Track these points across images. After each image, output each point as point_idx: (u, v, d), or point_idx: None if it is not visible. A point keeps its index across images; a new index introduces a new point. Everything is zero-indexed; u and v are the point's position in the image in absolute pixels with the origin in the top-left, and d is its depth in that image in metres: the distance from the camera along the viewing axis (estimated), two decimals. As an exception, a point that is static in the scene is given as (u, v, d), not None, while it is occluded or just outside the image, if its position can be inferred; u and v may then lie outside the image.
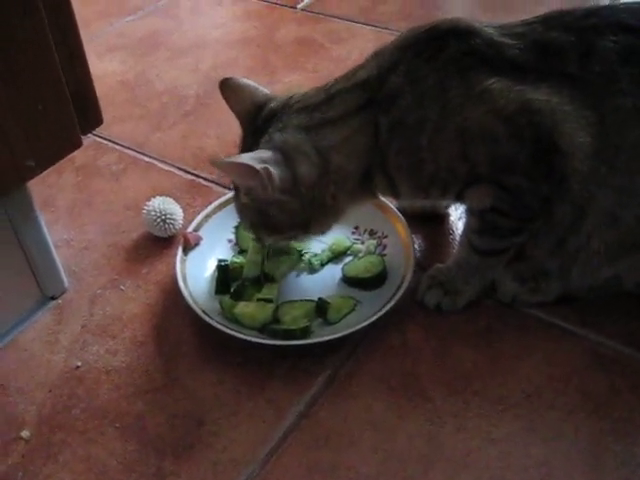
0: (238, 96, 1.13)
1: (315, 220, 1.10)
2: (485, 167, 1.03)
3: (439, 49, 1.02)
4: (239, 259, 1.25)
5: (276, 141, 1.03)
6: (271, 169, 0.98)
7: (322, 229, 1.13)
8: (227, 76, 1.15)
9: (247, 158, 0.99)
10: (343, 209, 1.12)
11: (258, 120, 1.09)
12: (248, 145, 1.08)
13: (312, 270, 1.25)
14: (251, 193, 1.05)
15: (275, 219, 1.07)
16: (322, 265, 1.25)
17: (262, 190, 1.00)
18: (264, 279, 1.22)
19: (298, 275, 1.25)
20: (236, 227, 1.29)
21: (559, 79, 0.99)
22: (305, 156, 1.03)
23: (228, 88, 1.14)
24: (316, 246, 1.27)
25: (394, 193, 1.13)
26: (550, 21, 1.03)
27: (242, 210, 1.12)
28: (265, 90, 1.15)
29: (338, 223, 1.15)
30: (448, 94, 1.00)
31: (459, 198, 1.10)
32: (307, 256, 1.26)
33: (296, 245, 1.25)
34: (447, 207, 1.36)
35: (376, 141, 1.05)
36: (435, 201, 1.30)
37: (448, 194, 1.10)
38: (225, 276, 1.22)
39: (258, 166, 0.97)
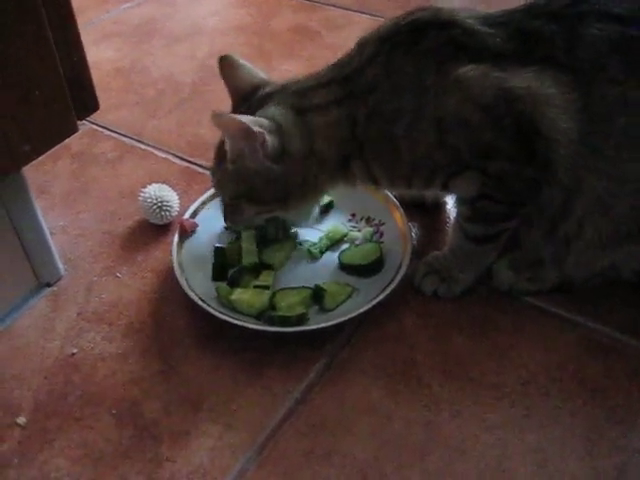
0: (237, 74, 1.14)
1: (294, 195, 1.11)
2: (466, 154, 1.03)
3: (418, 40, 1.02)
4: (235, 243, 1.25)
5: (271, 113, 1.05)
6: (266, 135, 1.00)
7: (299, 206, 1.15)
8: (227, 53, 1.16)
9: (247, 119, 1.00)
10: (321, 190, 1.14)
11: (253, 100, 1.10)
12: None
13: (313, 259, 1.25)
14: (238, 160, 1.05)
15: (258, 188, 1.08)
16: (322, 253, 1.25)
17: (252, 154, 1.02)
18: (262, 267, 1.22)
19: (296, 263, 1.24)
20: None
21: (542, 66, 0.98)
22: (295, 133, 1.05)
23: (228, 64, 1.15)
24: (313, 234, 1.27)
25: (374, 181, 1.13)
26: (533, 9, 1.03)
27: (224, 180, 1.12)
28: (262, 74, 1.16)
29: (315, 204, 1.20)
30: (424, 84, 1.01)
31: (445, 189, 1.10)
32: (306, 245, 1.26)
33: (292, 232, 1.27)
34: (444, 195, 1.35)
35: (353, 132, 1.06)
36: (422, 192, 1.30)
37: (433, 185, 1.10)
38: (222, 262, 1.22)
39: (255, 128, 0.99)
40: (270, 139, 1.01)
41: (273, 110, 1.05)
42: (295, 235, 1.27)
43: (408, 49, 1.03)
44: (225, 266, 1.22)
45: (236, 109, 1.12)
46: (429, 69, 1.01)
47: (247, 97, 1.11)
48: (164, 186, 1.36)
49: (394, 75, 1.02)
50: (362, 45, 1.07)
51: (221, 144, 1.10)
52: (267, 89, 1.11)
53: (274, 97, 1.08)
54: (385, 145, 1.06)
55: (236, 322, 1.10)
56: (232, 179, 1.09)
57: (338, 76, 1.07)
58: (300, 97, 1.07)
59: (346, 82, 1.06)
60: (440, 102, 1.00)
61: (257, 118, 1.02)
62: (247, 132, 0.99)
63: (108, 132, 1.64)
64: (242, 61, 1.16)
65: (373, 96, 1.03)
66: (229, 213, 1.16)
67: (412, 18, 1.05)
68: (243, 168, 1.06)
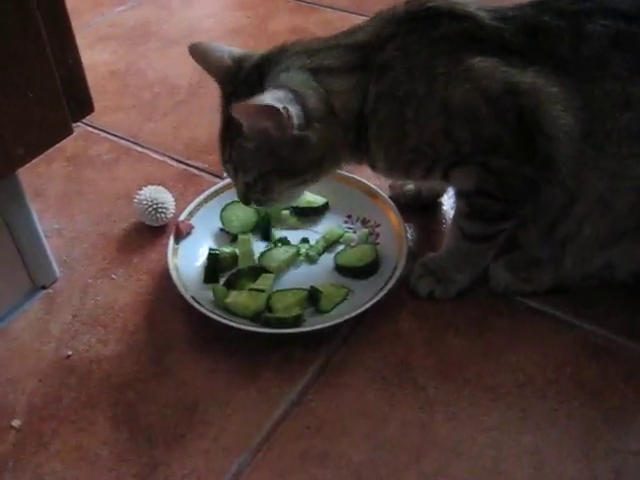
0: (213, 56, 1.11)
1: (328, 157, 1.08)
2: (468, 146, 1.03)
3: (433, 27, 1.02)
4: (229, 249, 1.24)
5: (283, 80, 1.01)
6: (289, 107, 0.97)
7: (332, 169, 1.12)
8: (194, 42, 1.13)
9: (267, 98, 0.96)
10: (342, 159, 1.12)
11: (243, 71, 1.07)
12: (237, 98, 1.03)
13: (311, 261, 1.25)
14: (260, 137, 1.01)
15: (289, 160, 1.04)
16: (319, 255, 1.25)
17: (280, 130, 0.99)
18: (261, 270, 1.21)
19: (292, 265, 1.24)
20: (222, 210, 1.30)
21: (548, 62, 0.99)
22: (312, 94, 1.01)
23: (199, 50, 1.11)
24: (310, 236, 1.27)
25: (372, 165, 1.13)
26: (542, 5, 1.03)
27: (247, 159, 1.06)
28: (237, 49, 1.13)
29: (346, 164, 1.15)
30: (436, 70, 1.00)
31: (444, 178, 1.10)
32: (303, 250, 1.25)
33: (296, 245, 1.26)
34: (440, 195, 1.35)
35: (361, 108, 1.04)
36: (417, 182, 1.31)
37: (432, 174, 1.09)
38: (214, 265, 1.21)
39: (279, 105, 0.95)
40: (294, 109, 0.98)
41: (284, 77, 1.02)
42: (307, 241, 1.27)
43: (424, 34, 1.02)
44: (217, 270, 1.21)
45: (228, 88, 1.08)
46: (442, 56, 1.01)
47: (235, 73, 1.08)
48: (160, 188, 1.35)
49: (409, 59, 1.02)
50: (379, 20, 1.07)
51: (227, 127, 1.08)
52: (258, 57, 1.08)
53: (275, 62, 1.04)
54: (391, 128, 1.05)
55: (232, 324, 1.09)
56: (256, 156, 1.05)
57: (352, 43, 1.06)
58: (309, 57, 1.04)
59: (360, 51, 1.04)
60: (450, 90, 1.00)
61: (273, 92, 0.98)
62: (270, 112, 0.95)
63: (104, 134, 1.64)
64: (213, 43, 1.13)
65: (386, 76, 1.02)
66: (255, 192, 1.10)
67: (428, 5, 1.04)
68: (268, 143, 1.02)
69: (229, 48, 1.12)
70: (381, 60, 1.03)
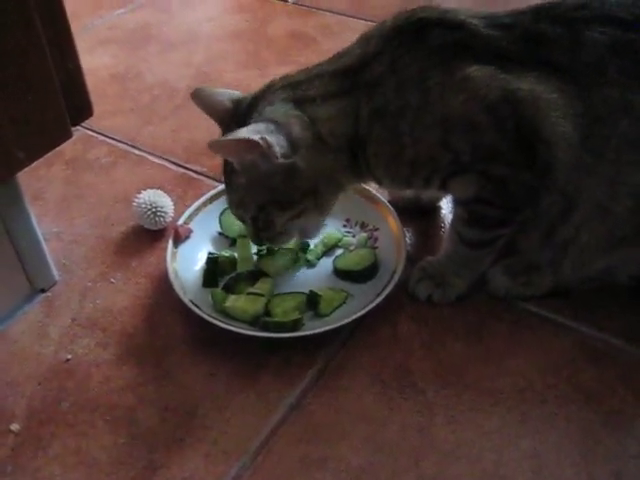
0: (212, 98, 1.14)
1: (322, 185, 1.08)
2: (467, 156, 1.03)
3: (422, 39, 1.02)
4: (228, 253, 1.25)
5: (266, 113, 1.04)
6: (268, 137, 0.98)
7: (330, 197, 1.12)
8: (197, 86, 1.16)
9: (243, 132, 0.98)
10: (344, 180, 1.12)
11: (240, 111, 1.09)
12: None
13: (310, 265, 1.25)
14: (251, 170, 1.03)
15: (283, 189, 1.05)
16: (318, 259, 1.25)
17: (264, 161, 1.00)
18: (260, 274, 1.21)
19: (291, 269, 1.24)
20: (221, 214, 1.30)
21: (546, 69, 0.99)
22: (294, 122, 1.03)
23: (201, 95, 1.14)
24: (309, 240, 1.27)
25: (377, 181, 1.13)
26: (540, 12, 1.03)
27: (245, 195, 1.08)
28: (238, 93, 1.15)
29: (344, 191, 1.14)
30: (429, 82, 1.00)
31: (443, 188, 1.10)
32: (302, 254, 1.25)
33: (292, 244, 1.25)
34: (438, 200, 1.35)
35: (355, 129, 1.05)
36: (419, 191, 1.31)
37: (431, 184, 1.09)
38: (213, 269, 1.21)
39: (256, 137, 0.97)
40: (274, 139, 0.99)
41: (267, 110, 1.04)
42: (306, 244, 1.27)
43: (414, 48, 1.02)
44: (216, 274, 1.21)
45: (227, 129, 1.09)
46: (435, 68, 1.00)
47: (233, 114, 1.10)
48: (159, 192, 1.35)
49: (399, 73, 1.02)
50: (365, 40, 1.07)
51: (225, 163, 1.09)
52: (251, 96, 1.10)
53: (261, 98, 1.07)
54: (388, 144, 1.05)
55: (230, 328, 1.09)
56: (252, 189, 1.06)
57: (337, 69, 1.06)
58: (293, 89, 1.06)
59: (346, 76, 1.05)
60: (446, 101, 1.00)
61: (252, 126, 1.00)
62: (249, 145, 0.97)
63: (102, 138, 1.64)
64: (215, 88, 1.16)
65: (377, 94, 1.03)
66: (261, 230, 1.11)
67: (417, 17, 1.04)
68: (259, 174, 1.03)
69: (230, 92, 1.15)
70: (369, 79, 1.03)
